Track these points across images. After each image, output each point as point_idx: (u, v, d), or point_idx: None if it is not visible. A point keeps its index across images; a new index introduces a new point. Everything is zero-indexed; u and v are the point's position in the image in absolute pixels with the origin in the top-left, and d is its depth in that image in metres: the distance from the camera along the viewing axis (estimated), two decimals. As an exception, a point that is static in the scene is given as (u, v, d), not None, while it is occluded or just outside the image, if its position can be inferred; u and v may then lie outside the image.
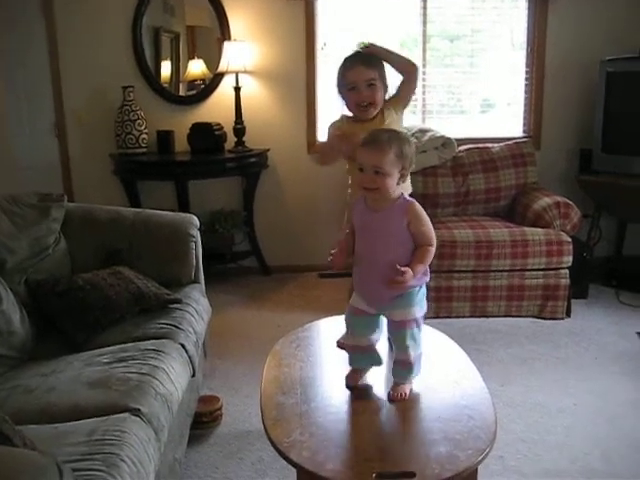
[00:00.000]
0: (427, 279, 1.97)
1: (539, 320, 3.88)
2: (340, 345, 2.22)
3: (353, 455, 1.69)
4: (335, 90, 2.40)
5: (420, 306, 1.95)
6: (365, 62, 2.32)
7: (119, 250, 2.94)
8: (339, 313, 2.24)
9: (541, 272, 3.85)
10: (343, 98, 2.38)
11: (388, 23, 4.68)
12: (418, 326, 1.95)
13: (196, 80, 4.75)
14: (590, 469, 2.46)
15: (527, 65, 4.72)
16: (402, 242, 1.89)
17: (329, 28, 4.69)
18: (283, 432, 1.76)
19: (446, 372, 2.12)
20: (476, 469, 1.70)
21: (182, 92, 4.76)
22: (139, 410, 1.93)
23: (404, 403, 1.91)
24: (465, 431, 1.75)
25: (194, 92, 4.72)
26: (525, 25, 4.67)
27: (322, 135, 4.70)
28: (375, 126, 2.24)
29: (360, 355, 2.04)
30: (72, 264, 2.92)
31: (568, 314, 3.90)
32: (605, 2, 4.55)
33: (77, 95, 4.59)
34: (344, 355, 2.10)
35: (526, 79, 4.75)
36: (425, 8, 4.61)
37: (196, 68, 4.72)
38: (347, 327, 2.05)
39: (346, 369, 2.06)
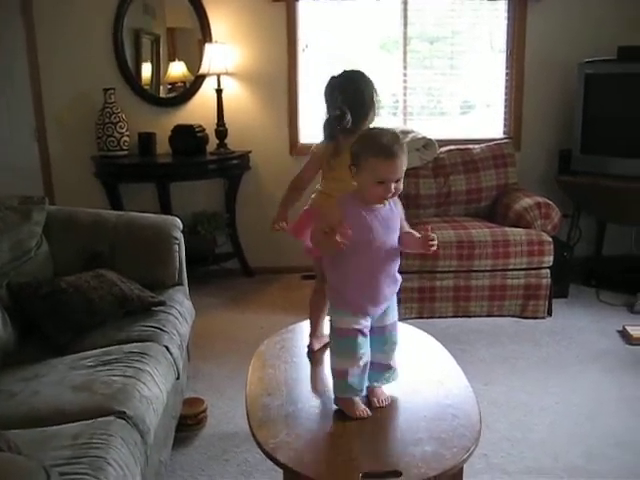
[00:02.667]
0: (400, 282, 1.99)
1: (521, 319, 3.92)
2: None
3: (339, 455, 1.69)
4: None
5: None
6: None
7: (101, 253, 2.93)
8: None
9: (522, 272, 3.88)
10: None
11: (369, 25, 4.72)
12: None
13: (177, 82, 4.74)
14: (572, 466, 2.48)
15: (507, 67, 4.76)
16: (397, 230, 1.91)
17: (311, 30, 4.71)
18: (269, 433, 1.76)
19: (430, 372, 2.14)
20: (461, 467, 1.71)
21: (163, 94, 4.74)
22: (124, 413, 1.93)
23: (390, 403, 1.92)
24: (450, 430, 1.76)
25: (175, 94, 4.71)
26: (504, 27, 4.71)
27: (304, 137, 4.71)
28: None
29: (366, 374, 1.91)
30: (54, 267, 2.90)
31: (549, 313, 3.94)
32: (584, 5, 4.60)
33: (58, 97, 4.55)
34: (327, 355, 2.02)
35: (506, 81, 4.79)
36: (405, 10, 4.64)
37: (176, 70, 4.71)
38: (353, 354, 1.87)
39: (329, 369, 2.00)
